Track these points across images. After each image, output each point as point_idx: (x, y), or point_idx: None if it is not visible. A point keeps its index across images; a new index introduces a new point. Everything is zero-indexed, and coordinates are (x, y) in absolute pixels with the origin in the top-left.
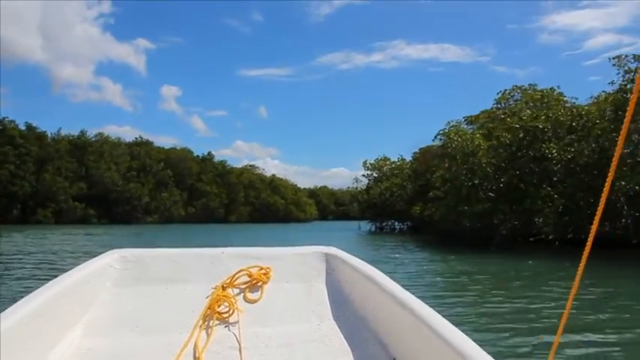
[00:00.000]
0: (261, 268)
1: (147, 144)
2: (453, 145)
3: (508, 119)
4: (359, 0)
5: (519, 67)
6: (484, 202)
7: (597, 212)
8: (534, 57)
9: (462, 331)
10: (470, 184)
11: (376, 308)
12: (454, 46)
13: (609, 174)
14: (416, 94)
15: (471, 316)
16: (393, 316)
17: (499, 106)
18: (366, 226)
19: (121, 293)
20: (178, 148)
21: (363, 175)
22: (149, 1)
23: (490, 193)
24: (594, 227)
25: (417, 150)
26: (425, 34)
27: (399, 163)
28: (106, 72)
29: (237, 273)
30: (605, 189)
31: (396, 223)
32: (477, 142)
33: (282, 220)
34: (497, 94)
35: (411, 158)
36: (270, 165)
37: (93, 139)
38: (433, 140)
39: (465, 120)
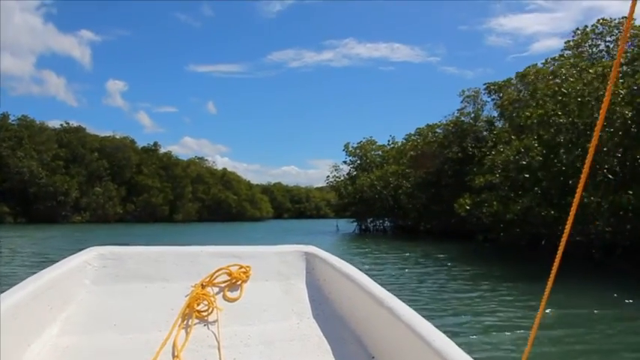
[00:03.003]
0: (241, 267)
1: (78, 130)
2: (562, 87)
3: None
4: None
5: (468, 68)
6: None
7: (569, 217)
8: (482, 58)
9: (441, 330)
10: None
11: (355, 307)
12: (404, 46)
13: (584, 169)
14: (367, 93)
15: None
16: (372, 314)
17: (577, 50)
18: (345, 226)
19: (99, 291)
20: (118, 136)
21: (345, 162)
22: None
23: (610, 175)
24: (565, 236)
25: (414, 132)
26: (375, 33)
27: (388, 148)
28: (49, 64)
29: (216, 271)
30: (579, 187)
31: (387, 223)
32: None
33: (235, 219)
34: (576, 30)
35: (403, 139)
36: (220, 162)
37: (14, 123)
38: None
39: (487, 88)
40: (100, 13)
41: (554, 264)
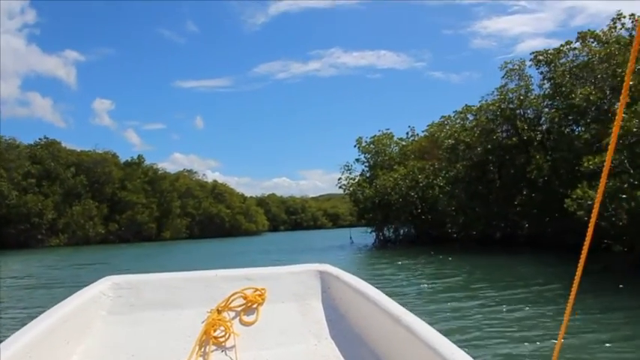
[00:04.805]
0: (256, 290)
1: (53, 144)
2: None
3: None
4: (295, 8)
5: (454, 72)
6: None
7: (594, 211)
8: (468, 61)
9: (460, 347)
10: None
11: (373, 325)
12: (390, 53)
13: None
14: (354, 102)
15: None
16: (390, 332)
17: None
18: (361, 237)
19: (115, 321)
20: (100, 151)
21: (357, 160)
22: (77, 10)
23: None
24: (590, 232)
25: (438, 121)
26: (360, 41)
27: (408, 141)
28: (34, 86)
29: (231, 296)
30: (602, 180)
31: (412, 231)
32: None
33: (229, 234)
34: None
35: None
36: (211, 177)
37: None
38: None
39: (534, 57)
40: (83, 33)
41: (579, 267)
